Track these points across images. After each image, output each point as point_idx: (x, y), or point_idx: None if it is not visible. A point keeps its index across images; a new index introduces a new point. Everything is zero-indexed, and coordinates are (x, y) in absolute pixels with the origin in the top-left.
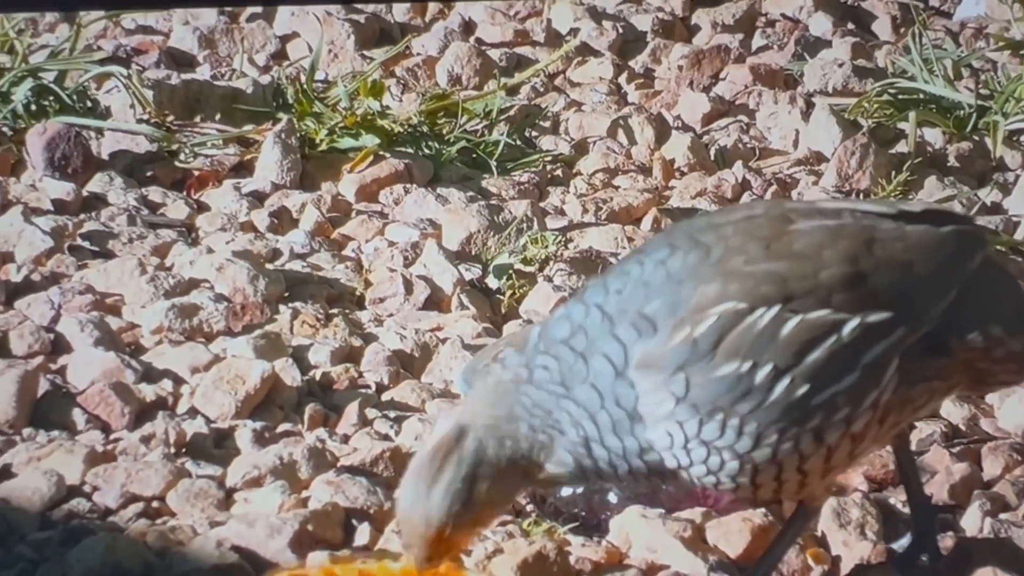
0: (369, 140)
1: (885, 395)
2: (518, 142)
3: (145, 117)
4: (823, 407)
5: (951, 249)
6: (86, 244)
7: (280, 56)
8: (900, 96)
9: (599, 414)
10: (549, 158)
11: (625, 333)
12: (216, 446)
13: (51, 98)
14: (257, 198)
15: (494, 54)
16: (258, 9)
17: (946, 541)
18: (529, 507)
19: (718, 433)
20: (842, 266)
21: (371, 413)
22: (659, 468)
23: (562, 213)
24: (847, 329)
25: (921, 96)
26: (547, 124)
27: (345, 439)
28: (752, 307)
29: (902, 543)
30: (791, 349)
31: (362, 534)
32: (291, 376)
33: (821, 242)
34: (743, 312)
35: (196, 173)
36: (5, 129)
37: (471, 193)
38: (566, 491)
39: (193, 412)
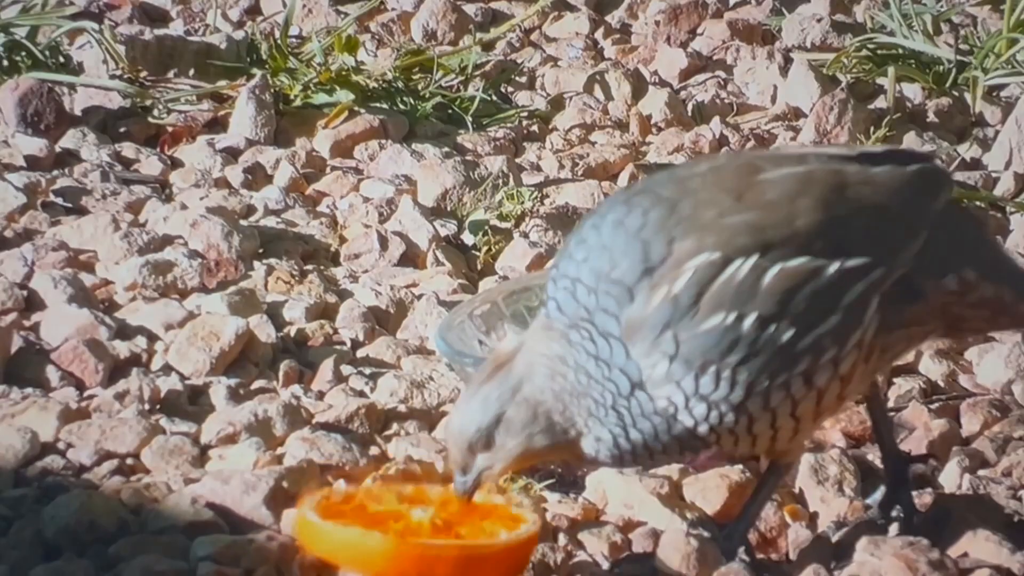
0: (344, 96)
1: (868, 334)
2: (494, 98)
3: (118, 73)
4: (810, 350)
5: (918, 188)
6: (59, 200)
7: (254, 11)
8: (879, 51)
9: (631, 399)
10: (525, 114)
11: (607, 302)
12: (190, 403)
13: (23, 54)
14: (231, 154)
15: (469, 9)
16: None
17: (924, 498)
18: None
19: (713, 386)
20: (817, 212)
21: (346, 370)
22: (688, 436)
23: (538, 169)
24: (827, 275)
25: (900, 51)
26: (523, 80)
27: (320, 396)
28: (729, 258)
29: (875, 497)
30: (774, 298)
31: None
32: (266, 333)
33: (793, 189)
34: (719, 263)
35: (170, 129)
36: None
37: (446, 149)
38: None
39: (167, 369)
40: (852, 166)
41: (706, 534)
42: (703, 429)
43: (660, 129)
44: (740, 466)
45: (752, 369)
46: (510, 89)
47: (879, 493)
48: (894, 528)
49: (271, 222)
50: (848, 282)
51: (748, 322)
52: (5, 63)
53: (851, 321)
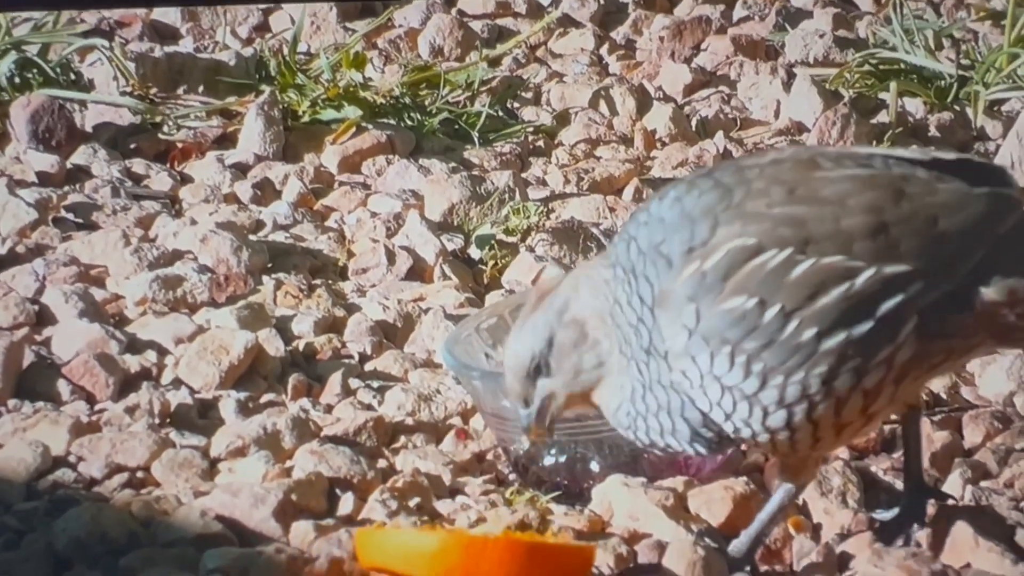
0: (351, 112)
1: (902, 354)
2: (500, 113)
3: (128, 89)
4: (832, 354)
5: (982, 211)
6: (70, 216)
7: (263, 28)
8: (881, 66)
9: (649, 362)
10: (531, 129)
11: (649, 271)
12: (200, 416)
13: (35, 71)
14: (240, 170)
15: (476, 25)
16: None
17: (927, 508)
18: (512, 476)
19: (727, 367)
20: (865, 215)
21: (354, 383)
22: (703, 422)
23: (544, 183)
24: (862, 278)
25: (902, 66)
26: (529, 95)
27: (328, 409)
28: (764, 246)
29: (886, 515)
30: (802, 291)
31: (346, 503)
32: (274, 346)
33: (848, 190)
34: (753, 248)
35: (179, 145)
36: None
37: (453, 164)
38: (548, 460)
39: (177, 383)
40: (920, 173)
41: (712, 545)
42: (717, 415)
43: (664, 144)
44: (744, 478)
45: (768, 359)
46: (516, 104)
47: (889, 512)
48: (898, 539)
49: (280, 237)
50: (886, 292)
51: (771, 311)
52: (17, 80)
53: (883, 334)
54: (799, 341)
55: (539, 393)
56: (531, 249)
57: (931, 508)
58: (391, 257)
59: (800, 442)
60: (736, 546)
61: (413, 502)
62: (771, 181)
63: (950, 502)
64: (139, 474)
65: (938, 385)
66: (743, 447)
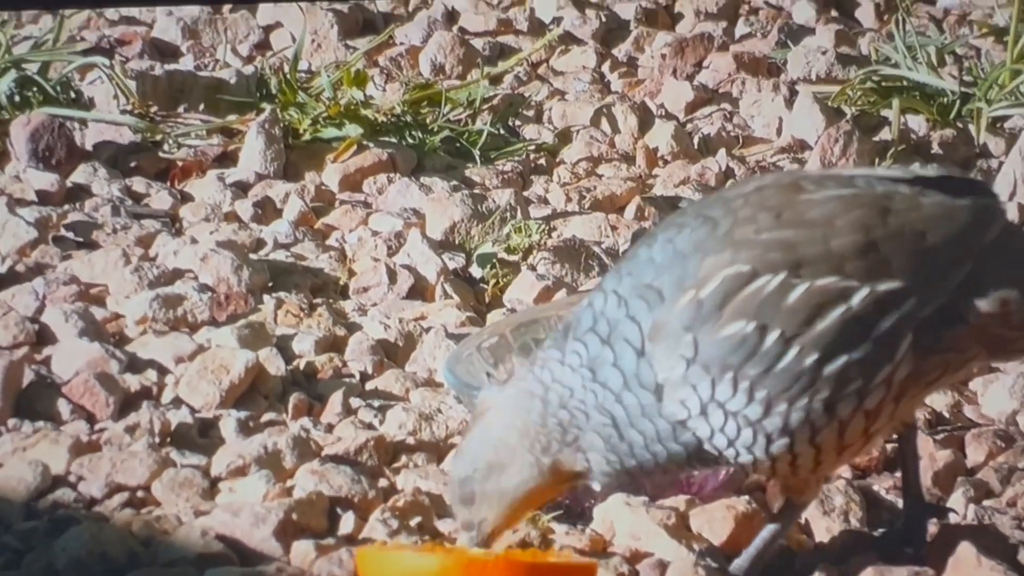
0: (353, 130)
1: (900, 372)
2: (501, 131)
3: (129, 108)
4: (834, 378)
5: (967, 221)
6: (70, 235)
7: (263, 46)
8: (884, 83)
9: (625, 395)
10: (532, 147)
11: (637, 309)
12: (201, 436)
13: (35, 89)
14: (241, 188)
15: (477, 43)
16: None
17: (930, 528)
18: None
19: (730, 393)
20: (854, 234)
21: (355, 402)
22: (696, 448)
23: (545, 202)
24: (857, 298)
25: (905, 83)
26: (530, 113)
27: (329, 428)
28: (758, 272)
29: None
30: (799, 316)
31: (346, 523)
32: (275, 366)
33: (834, 211)
34: (748, 275)
35: (180, 163)
36: None
37: (455, 182)
38: None
39: (178, 402)
40: (903, 190)
41: (714, 564)
42: (720, 441)
43: (666, 162)
44: (746, 497)
45: (771, 386)
46: (517, 123)
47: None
48: (900, 558)
49: (280, 256)
50: (881, 311)
51: (771, 337)
52: (17, 99)
53: (881, 355)
54: (801, 368)
55: (471, 520)
56: (533, 268)
57: (932, 526)
58: (392, 276)
59: (802, 466)
60: (738, 565)
61: (414, 521)
62: (757, 208)
63: (952, 518)
64: (139, 493)
65: (941, 404)
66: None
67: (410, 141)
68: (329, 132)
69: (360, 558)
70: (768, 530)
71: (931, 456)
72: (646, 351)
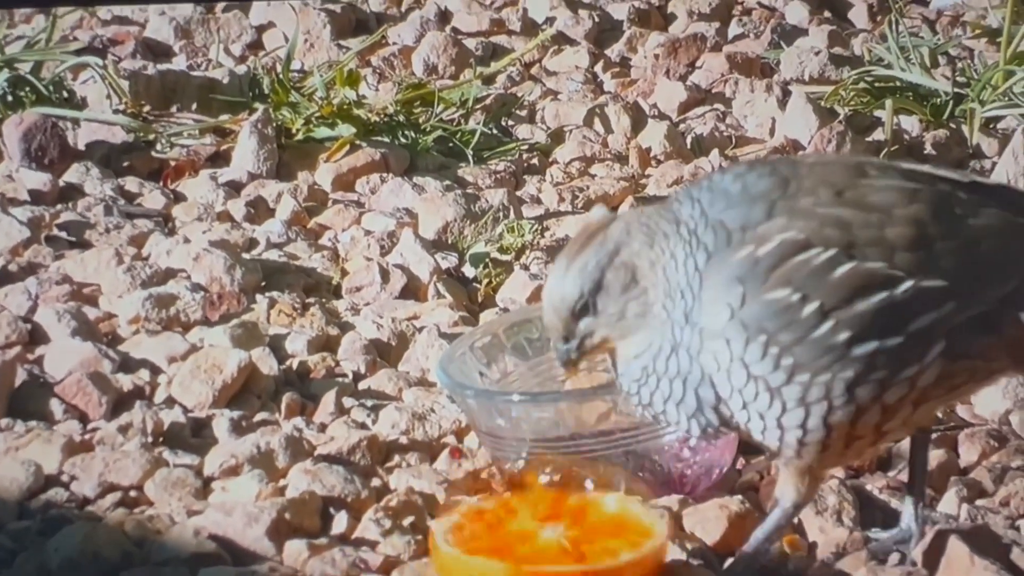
0: (345, 130)
1: (927, 375)
2: (494, 131)
3: (121, 107)
4: (861, 360)
5: (1022, 239)
6: (63, 234)
7: (256, 46)
8: (877, 84)
9: (684, 328)
10: (525, 147)
11: (709, 239)
12: (193, 435)
13: (27, 89)
14: (233, 188)
15: (470, 43)
16: None
17: (925, 531)
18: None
19: (759, 356)
20: (909, 227)
21: (348, 402)
22: (712, 407)
23: (538, 202)
24: (901, 288)
25: (898, 84)
26: (523, 113)
27: (322, 428)
28: (811, 243)
29: (882, 534)
30: (841, 292)
31: (339, 522)
32: (268, 365)
33: (894, 200)
34: (801, 244)
35: (172, 163)
36: None
37: (447, 182)
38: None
39: (170, 401)
40: (961, 195)
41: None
42: (735, 402)
43: (659, 162)
44: (739, 496)
45: (799, 355)
46: (510, 122)
47: (886, 532)
48: (893, 558)
49: (273, 255)
50: (919, 308)
51: (809, 307)
52: (9, 98)
53: (911, 353)
54: (832, 342)
55: (581, 331)
56: (526, 267)
57: (928, 530)
58: (385, 275)
59: (808, 446)
60: (733, 566)
61: (407, 521)
62: (819, 181)
63: (946, 522)
64: (132, 493)
65: None
66: (739, 467)
67: (403, 141)
68: (322, 132)
69: (438, 561)
70: (762, 530)
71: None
72: (702, 283)
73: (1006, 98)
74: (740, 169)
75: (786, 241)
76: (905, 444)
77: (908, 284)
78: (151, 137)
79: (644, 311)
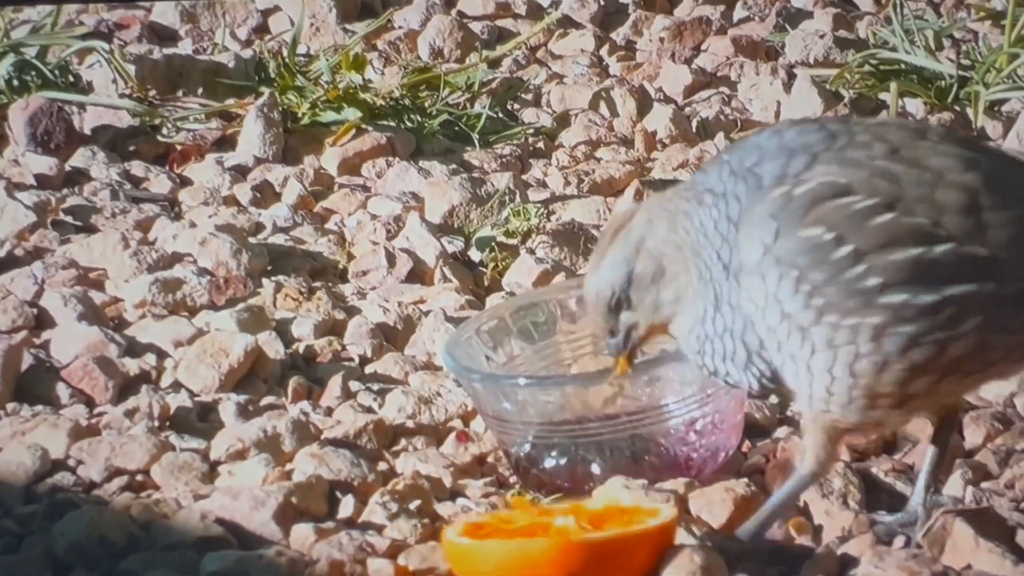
0: (351, 114)
1: (958, 345)
2: (500, 115)
3: (127, 92)
4: (890, 309)
5: None
6: (69, 219)
7: (262, 30)
8: (881, 67)
9: (724, 282)
10: (531, 130)
11: (741, 189)
12: (200, 419)
13: (33, 73)
14: (240, 172)
15: (476, 27)
16: None
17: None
18: (512, 479)
19: (790, 293)
20: (961, 193)
21: (354, 386)
22: (755, 351)
23: (544, 185)
24: (940, 248)
25: (902, 67)
26: (529, 97)
27: (329, 412)
28: (854, 189)
29: (887, 517)
30: (878, 238)
31: (346, 506)
32: (274, 349)
33: (951, 165)
34: (842, 188)
35: (179, 147)
36: None
37: (453, 166)
38: (549, 462)
39: (177, 386)
40: (1020, 170)
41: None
42: (771, 343)
43: (665, 145)
44: (745, 479)
45: (829, 295)
46: (516, 106)
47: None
48: (899, 541)
49: (279, 239)
50: (958, 275)
51: (844, 249)
52: (15, 83)
53: (944, 316)
54: (863, 285)
55: (623, 324)
56: (531, 251)
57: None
58: (391, 259)
59: (836, 395)
60: (745, 529)
61: (414, 505)
62: (875, 138)
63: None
64: (139, 477)
65: None
66: (745, 450)
67: (409, 125)
68: (328, 116)
69: (452, 551)
70: (778, 495)
71: (929, 438)
72: (738, 231)
73: (1010, 81)
74: (780, 127)
75: (825, 183)
76: (913, 426)
77: (948, 246)
78: (157, 121)
79: (679, 296)
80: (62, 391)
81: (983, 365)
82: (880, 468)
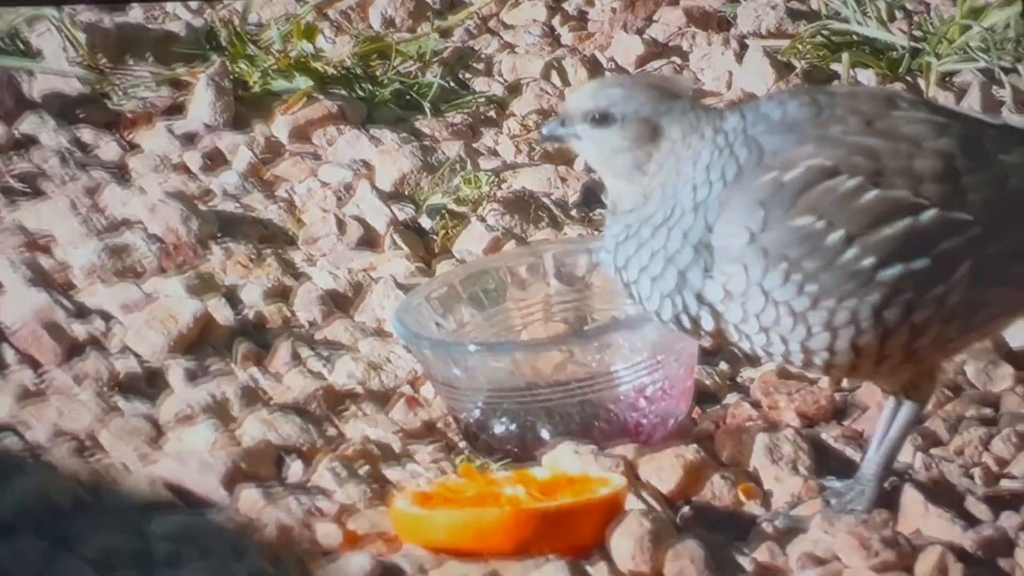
0: (302, 82)
1: (953, 295)
2: (452, 84)
3: (77, 59)
4: (887, 284)
5: None
6: (18, 185)
7: None
8: (833, 38)
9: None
10: (482, 99)
11: (743, 154)
12: (148, 384)
13: None
14: (190, 139)
15: None
16: None
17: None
18: (462, 444)
19: (780, 283)
20: (938, 160)
21: (303, 351)
22: (698, 292)
23: (495, 154)
24: (926, 216)
25: (854, 38)
26: (480, 66)
27: (278, 377)
28: (839, 170)
29: (837, 483)
30: (866, 218)
31: (295, 471)
32: (223, 315)
33: (924, 133)
34: (829, 170)
35: (129, 114)
36: None
37: (404, 134)
38: (499, 428)
39: (125, 351)
40: (992, 132)
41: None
42: (750, 326)
43: None
44: (695, 445)
45: (823, 282)
46: (467, 75)
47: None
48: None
49: (229, 206)
50: (946, 234)
51: (834, 235)
52: None
53: (937, 272)
54: (857, 268)
55: (578, 129)
56: (482, 219)
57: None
58: (341, 226)
59: (837, 367)
60: (867, 468)
61: (363, 470)
62: (849, 111)
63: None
64: (86, 441)
65: None
66: (695, 416)
67: (360, 93)
68: (279, 84)
69: (402, 520)
70: (895, 430)
71: (879, 405)
72: (723, 199)
73: (962, 52)
74: (784, 96)
75: (812, 167)
76: (859, 394)
77: (933, 212)
78: (107, 89)
79: (633, 171)
80: (9, 355)
81: (986, 320)
82: (830, 434)
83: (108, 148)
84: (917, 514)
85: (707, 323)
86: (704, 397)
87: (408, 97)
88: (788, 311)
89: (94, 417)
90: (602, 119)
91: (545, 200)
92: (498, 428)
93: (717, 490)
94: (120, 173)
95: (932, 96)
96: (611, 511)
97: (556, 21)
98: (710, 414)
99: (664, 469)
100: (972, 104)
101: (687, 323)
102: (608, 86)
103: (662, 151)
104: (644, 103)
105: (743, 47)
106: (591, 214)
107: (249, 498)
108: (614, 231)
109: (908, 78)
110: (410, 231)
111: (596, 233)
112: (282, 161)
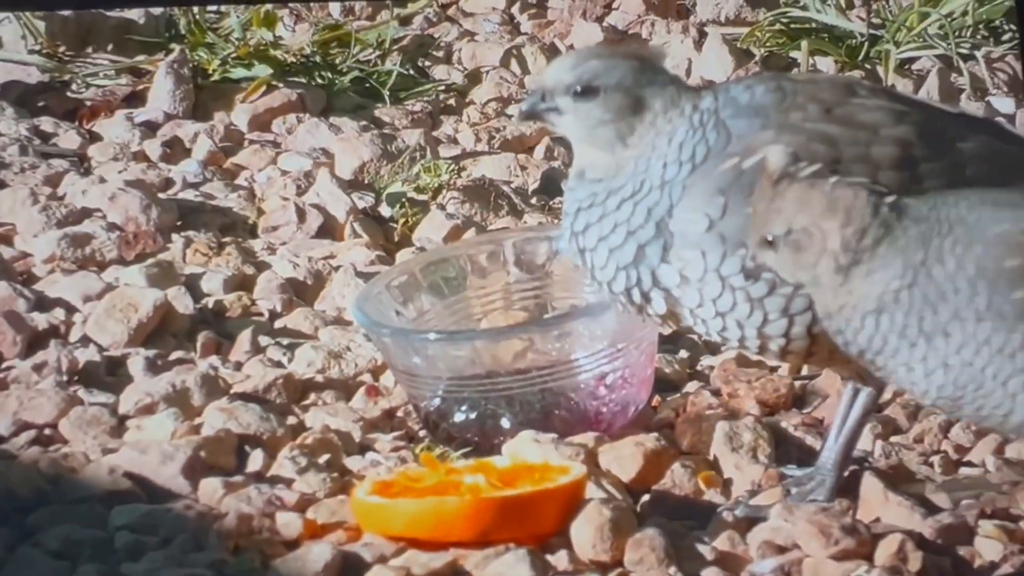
0: (262, 70)
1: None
2: (411, 72)
3: (37, 48)
4: None
5: (1009, 166)
6: None
7: None
8: (792, 25)
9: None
10: (442, 87)
11: (712, 137)
12: (109, 374)
13: None
14: (149, 128)
15: None
16: None
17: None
18: (422, 433)
19: (737, 269)
20: (895, 147)
21: (264, 340)
22: (653, 268)
23: (455, 142)
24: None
25: (813, 25)
26: (440, 54)
27: (238, 366)
28: (797, 157)
29: (797, 471)
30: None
31: (255, 460)
32: (184, 304)
33: (882, 120)
34: (790, 157)
35: (88, 104)
36: None
37: (364, 122)
38: (459, 417)
39: (86, 340)
40: (950, 121)
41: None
42: (706, 311)
43: None
44: (655, 434)
45: None
46: (427, 63)
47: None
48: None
49: (189, 195)
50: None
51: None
52: None
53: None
54: None
55: (560, 103)
56: (442, 207)
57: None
58: (301, 215)
59: (793, 353)
60: (827, 456)
61: (323, 459)
62: (808, 98)
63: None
64: (47, 431)
65: None
66: (655, 404)
67: (319, 82)
68: (238, 72)
69: (362, 509)
70: (853, 418)
71: (838, 393)
72: (687, 183)
73: (920, 39)
74: (752, 80)
75: (771, 152)
76: (819, 382)
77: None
78: (67, 78)
79: (615, 142)
80: None
81: None
82: (790, 422)
83: (68, 137)
84: (877, 502)
85: (659, 306)
86: (664, 385)
87: (368, 85)
88: (745, 297)
89: (55, 407)
90: (585, 91)
91: (505, 188)
92: (458, 417)
93: (677, 478)
94: (80, 162)
95: (891, 84)
96: (571, 499)
97: (515, 9)
98: (670, 402)
99: (624, 457)
100: (930, 91)
101: (637, 298)
102: (588, 57)
103: (644, 123)
104: (626, 74)
105: (702, 35)
106: (551, 202)
107: (209, 488)
108: (578, 195)
109: (867, 66)
110: (370, 219)
111: (556, 221)
112: (242, 150)
